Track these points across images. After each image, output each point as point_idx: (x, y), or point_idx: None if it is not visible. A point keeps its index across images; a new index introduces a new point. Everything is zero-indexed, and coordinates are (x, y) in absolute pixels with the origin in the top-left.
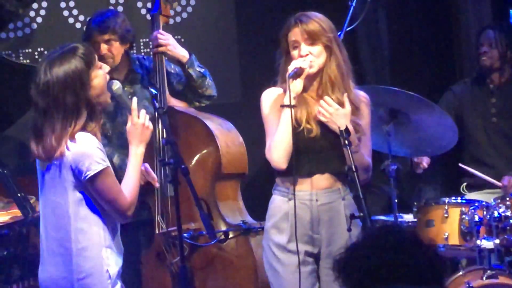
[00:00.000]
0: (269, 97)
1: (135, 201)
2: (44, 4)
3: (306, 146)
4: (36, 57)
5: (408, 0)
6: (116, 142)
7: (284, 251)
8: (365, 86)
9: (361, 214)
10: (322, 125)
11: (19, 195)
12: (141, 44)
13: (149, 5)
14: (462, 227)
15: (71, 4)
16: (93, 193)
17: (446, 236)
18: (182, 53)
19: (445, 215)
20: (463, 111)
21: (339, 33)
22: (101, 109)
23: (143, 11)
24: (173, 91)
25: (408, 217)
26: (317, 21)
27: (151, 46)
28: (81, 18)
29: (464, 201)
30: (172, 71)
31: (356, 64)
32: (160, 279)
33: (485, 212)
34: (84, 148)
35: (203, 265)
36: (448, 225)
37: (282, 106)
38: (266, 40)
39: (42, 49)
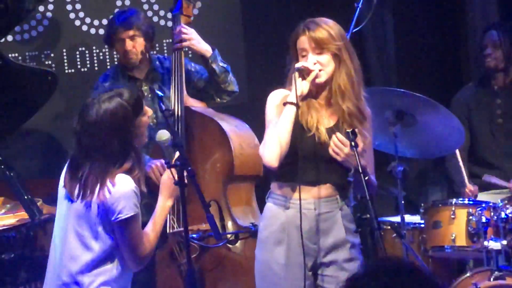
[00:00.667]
0: (275, 98)
1: (152, 253)
2: (51, 6)
3: (314, 153)
4: (43, 59)
5: (414, 2)
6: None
7: (281, 264)
8: (372, 87)
9: (368, 215)
10: (331, 133)
11: (26, 197)
12: (159, 45)
13: (155, 7)
14: (469, 228)
15: (78, 6)
16: (118, 237)
17: (453, 237)
18: (206, 48)
19: (452, 216)
20: (469, 114)
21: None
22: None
23: (149, 13)
24: (194, 89)
25: (415, 218)
26: (326, 28)
27: (174, 42)
28: (88, 20)
29: (471, 202)
30: (193, 69)
31: (362, 66)
32: (172, 278)
33: (492, 213)
34: (123, 190)
35: (213, 267)
36: (455, 226)
37: (286, 103)
38: (273, 41)
39: (48, 51)
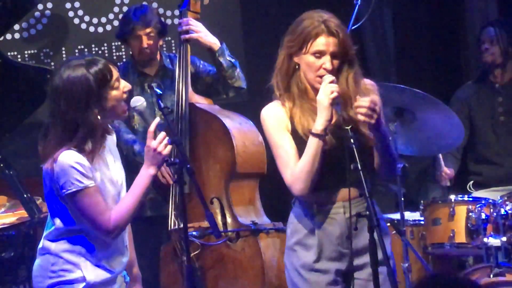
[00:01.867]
0: (272, 118)
1: (123, 224)
2: (50, 5)
3: (326, 159)
4: (42, 57)
5: None
6: (141, 136)
7: (312, 270)
8: None
9: (368, 212)
10: (335, 135)
11: (25, 196)
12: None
13: (155, 5)
14: (469, 225)
15: (76, 5)
16: (73, 209)
17: (452, 234)
18: (213, 41)
19: (452, 213)
20: (470, 111)
21: None
22: (106, 128)
23: None
24: (202, 85)
25: (415, 215)
26: (346, 32)
27: (180, 36)
28: (87, 18)
29: (470, 199)
30: (201, 66)
31: (361, 62)
32: (175, 275)
33: (491, 210)
34: (63, 166)
35: (213, 264)
36: (454, 223)
37: (315, 135)
38: (272, 40)
39: (47, 50)
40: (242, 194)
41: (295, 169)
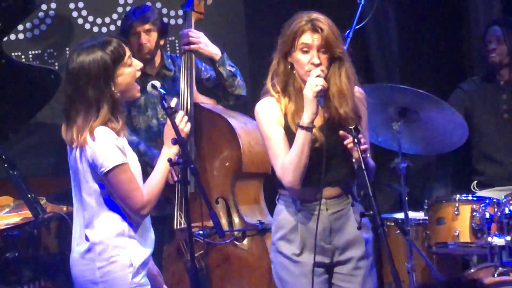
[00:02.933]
0: (265, 111)
1: (154, 200)
2: (53, 5)
3: (313, 156)
4: (46, 58)
5: None
6: (144, 135)
7: (295, 262)
8: (375, 84)
9: (371, 212)
10: (326, 133)
11: (29, 196)
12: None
13: (158, 5)
14: (473, 224)
15: (80, 5)
16: (109, 188)
17: (457, 233)
18: (214, 51)
19: (456, 213)
20: (473, 109)
21: (348, 31)
22: (124, 105)
23: None
24: (203, 89)
25: (419, 215)
26: (334, 30)
27: (181, 44)
28: (90, 19)
29: (475, 198)
30: (202, 68)
31: (365, 62)
32: (179, 274)
33: (496, 209)
34: (100, 144)
35: (219, 264)
36: (459, 222)
37: (301, 127)
38: (276, 40)
39: (51, 50)
40: (247, 194)
41: (285, 161)
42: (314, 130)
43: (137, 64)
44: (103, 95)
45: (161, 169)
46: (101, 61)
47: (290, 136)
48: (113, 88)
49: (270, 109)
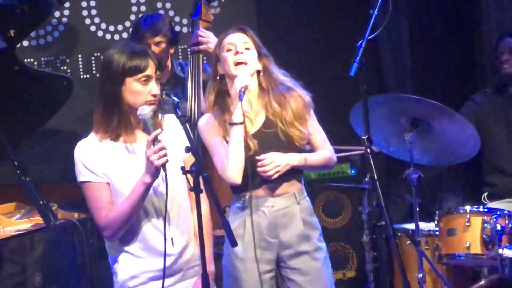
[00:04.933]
0: (205, 124)
1: (115, 226)
2: (66, 12)
3: (252, 161)
4: (58, 65)
5: (430, 9)
6: None
7: (241, 259)
8: (387, 94)
9: (383, 222)
10: (259, 141)
11: (41, 202)
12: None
13: (171, 13)
14: (484, 235)
15: (93, 12)
16: None
17: (468, 245)
18: None
19: (467, 224)
20: (485, 120)
21: (360, 42)
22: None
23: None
24: None
25: (430, 226)
26: (250, 30)
27: (190, 48)
28: (103, 26)
29: (486, 209)
30: None
31: (378, 73)
32: None
33: (507, 221)
34: (74, 156)
35: None
36: (470, 233)
37: (232, 124)
38: (287, 46)
39: (64, 57)
40: None
41: (224, 160)
42: (246, 138)
43: (153, 89)
44: (111, 91)
45: (129, 198)
46: (116, 65)
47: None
48: (120, 98)
49: (208, 123)
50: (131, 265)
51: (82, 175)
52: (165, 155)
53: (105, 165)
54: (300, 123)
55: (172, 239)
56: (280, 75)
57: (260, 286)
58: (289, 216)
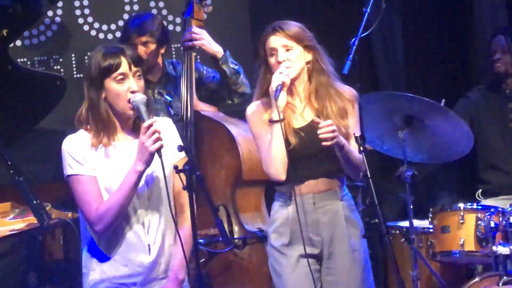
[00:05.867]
0: (253, 113)
1: (109, 218)
2: (59, 11)
3: (293, 155)
4: (51, 64)
5: (422, 7)
6: None
7: (284, 254)
8: (380, 92)
9: (377, 220)
10: (304, 135)
11: (34, 202)
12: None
13: (164, 12)
14: (478, 233)
15: (86, 11)
16: None
17: (461, 242)
18: (217, 49)
19: (461, 221)
20: (479, 118)
21: (353, 40)
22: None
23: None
24: (207, 91)
25: (424, 223)
26: (294, 24)
27: (183, 46)
28: (96, 25)
29: (480, 207)
30: (205, 72)
31: (371, 71)
32: None
33: (501, 218)
34: (62, 150)
35: (220, 272)
36: (464, 231)
37: (271, 121)
38: None
39: (57, 56)
40: (248, 201)
41: (265, 156)
42: (288, 133)
43: (131, 86)
44: (89, 94)
45: (121, 188)
46: (96, 66)
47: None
48: (103, 95)
49: (257, 111)
50: (104, 268)
51: (71, 168)
52: (159, 139)
53: (94, 159)
54: (343, 118)
55: (149, 245)
56: (329, 67)
57: (305, 284)
58: (332, 213)
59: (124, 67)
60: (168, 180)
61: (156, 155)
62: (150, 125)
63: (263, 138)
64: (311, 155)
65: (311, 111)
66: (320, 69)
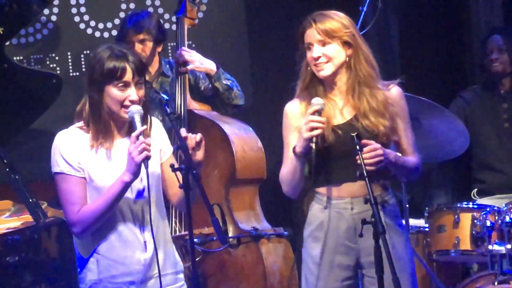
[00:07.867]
0: (291, 112)
1: (87, 223)
2: (56, 10)
3: (328, 153)
4: (47, 62)
5: (419, 6)
6: None
7: (317, 264)
8: None
9: (373, 219)
10: (345, 131)
11: (30, 200)
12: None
13: (160, 10)
14: (473, 232)
15: (82, 9)
16: None
17: (457, 241)
18: (210, 67)
19: (457, 220)
20: (473, 117)
21: None
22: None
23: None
24: (202, 95)
25: (419, 222)
26: (333, 17)
27: (176, 64)
28: (92, 23)
29: (475, 206)
30: (201, 76)
31: None
32: None
33: (496, 217)
34: (53, 146)
35: (215, 271)
36: (459, 230)
37: (294, 151)
38: (278, 45)
39: (53, 55)
40: (242, 200)
41: (282, 172)
42: (325, 129)
43: (131, 94)
44: (90, 93)
45: (104, 196)
46: (98, 67)
47: None
48: (104, 97)
49: (296, 111)
50: (101, 268)
51: (58, 166)
52: (145, 149)
53: (84, 159)
54: (383, 117)
55: (145, 242)
56: (370, 63)
57: None
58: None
59: (128, 76)
60: (157, 183)
61: (142, 165)
62: (139, 135)
63: (289, 144)
64: (348, 155)
65: (351, 109)
66: (359, 66)
